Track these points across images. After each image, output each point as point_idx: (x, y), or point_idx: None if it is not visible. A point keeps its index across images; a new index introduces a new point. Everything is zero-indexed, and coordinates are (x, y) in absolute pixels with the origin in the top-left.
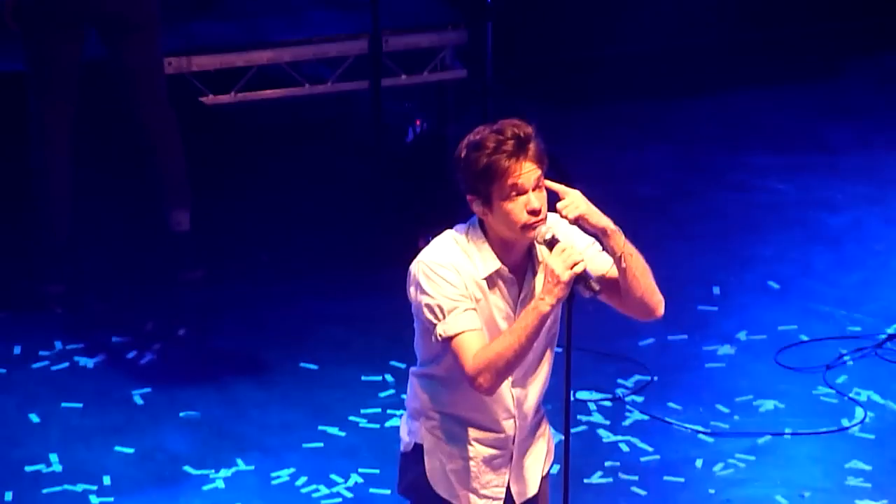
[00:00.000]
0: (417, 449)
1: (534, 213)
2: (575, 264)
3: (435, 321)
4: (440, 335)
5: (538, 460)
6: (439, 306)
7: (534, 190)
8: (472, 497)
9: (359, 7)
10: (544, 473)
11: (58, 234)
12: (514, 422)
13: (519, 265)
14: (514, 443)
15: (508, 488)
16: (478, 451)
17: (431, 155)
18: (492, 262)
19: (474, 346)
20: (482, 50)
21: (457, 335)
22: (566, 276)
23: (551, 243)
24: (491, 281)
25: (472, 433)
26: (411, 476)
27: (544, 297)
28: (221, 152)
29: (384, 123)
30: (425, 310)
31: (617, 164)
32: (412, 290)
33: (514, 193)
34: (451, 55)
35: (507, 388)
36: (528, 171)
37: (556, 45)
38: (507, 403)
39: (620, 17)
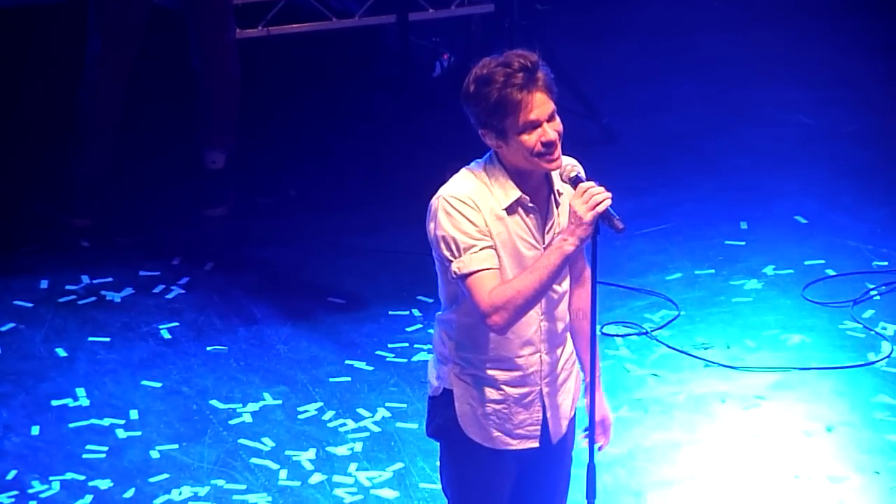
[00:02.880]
0: (447, 394)
1: (549, 144)
2: (598, 204)
3: (451, 257)
4: (455, 272)
5: (567, 394)
6: (456, 242)
7: (548, 122)
8: (507, 438)
9: None
10: (572, 411)
11: (96, 168)
12: (540, 356)
13: (539, 193)
14: (542, 379)
15: (545, 426)
16: (507, 392)
17: (458, 90)
18: (512, 192)
19: (490, 284)
20: None
21: (473, 273)
22: (589, 216)
23: (575, 181)
24: (512, 210)
25: (500, 375)
26: (440, 420)
27: (567, 237)
28: (248, 86)
29: (411, 57)
30: (442, 244)
31: (644, 99)
32: (431, 225)
33: (529, 128)
34: None
35: (536, 320)
36: (540, 104)
37: None
38: (532, 337)
39: None
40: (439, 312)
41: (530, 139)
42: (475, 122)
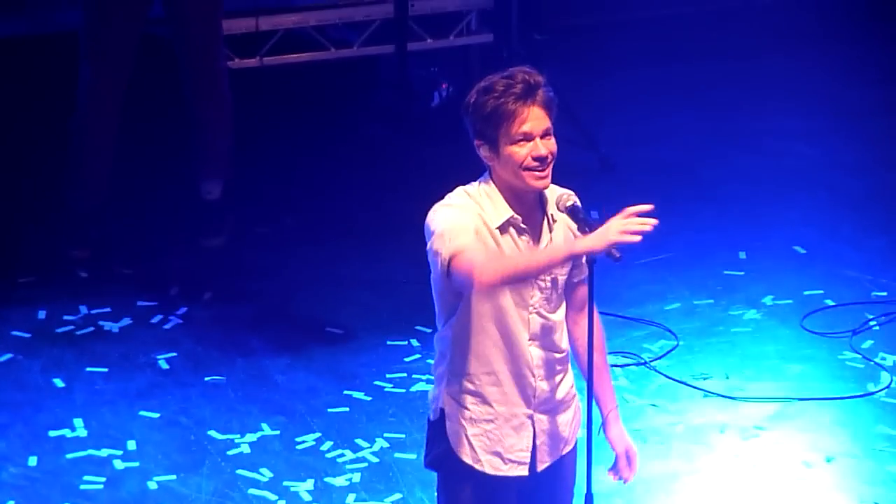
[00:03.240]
0: (442, 416)
1: (539, 159)
2: (631, 233)
3: (443, 248)
4: (445, 257)
5: (564, 426)
6: (449, 233)
7: (541, 138)
8: (497, 461)
9: None
10: (570, 444)
11: (92, 199)
12: (535, 381)
13: (532, 216)
14: (536, 405)
15: (533, 454)
16: (497, 411)
17: (457, 119)
18: (504, 211)
19: (481, 256)
20: (508, 14)
21: (464, 250)
22: (615, 237)
23: (573, 210)
24: (504, 229)
25: (491, 392)
26: (438, 450)
27: (585, 239)
28: (246, 117)
29: (410, 87)
30: (436, 242)
31: (642, 128)
32: (427, 236)
33: (520, 139)
34: (477, 19)
35: (525, 345)
36: (536, 118)
37: (582, 9)
38: (527, 359)
39: None
40: (436, 332)
41: (521, 152)
42: (471, 133)
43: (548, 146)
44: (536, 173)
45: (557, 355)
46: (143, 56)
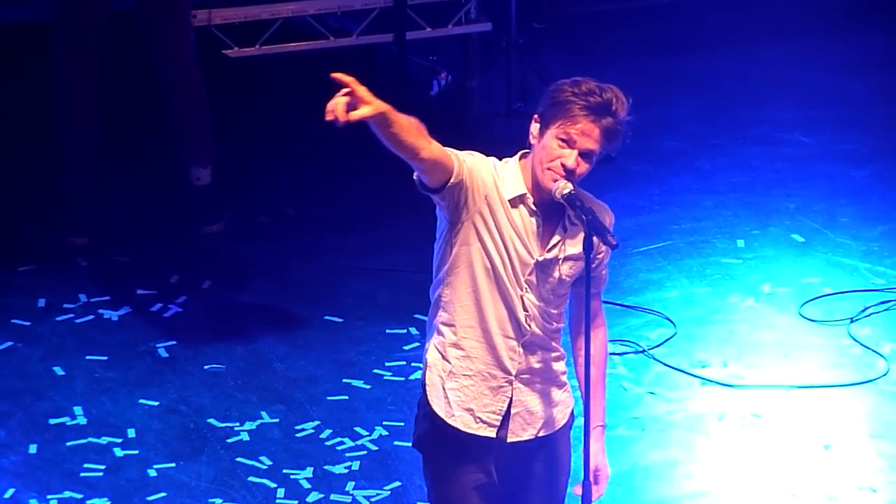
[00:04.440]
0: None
1: (566, 169)
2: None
3: None
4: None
5: (546, 407)
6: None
7: (581, 154)
8: (468, 418)
9: None
10: (552, 428)
11: (82, 185)
12: (520, 350)
13: (548, 209)
14: (518, 372)
15: (505, 420)
16: (477, 369)
17: (456, 108)
18: (519, 187)
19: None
20: (506, 3)
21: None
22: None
23: (570, 199)
24: (514, 204)
25: (473, 349)
26: (422, 426)
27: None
28: (245, 106)
29: (408, 76)
30: None
31: (642, 117)
32: None
33: (563, 139)
34: (476, 8)
35: (519, 312)
36: (589, 134)
37: None
38: (515, 325)
39: None
40: (431, 285)
41: (555, 151)
42: (538, 106)
43: (580, 163)
44: (554, 174)
45: (551, 341)
46: (132, 41)
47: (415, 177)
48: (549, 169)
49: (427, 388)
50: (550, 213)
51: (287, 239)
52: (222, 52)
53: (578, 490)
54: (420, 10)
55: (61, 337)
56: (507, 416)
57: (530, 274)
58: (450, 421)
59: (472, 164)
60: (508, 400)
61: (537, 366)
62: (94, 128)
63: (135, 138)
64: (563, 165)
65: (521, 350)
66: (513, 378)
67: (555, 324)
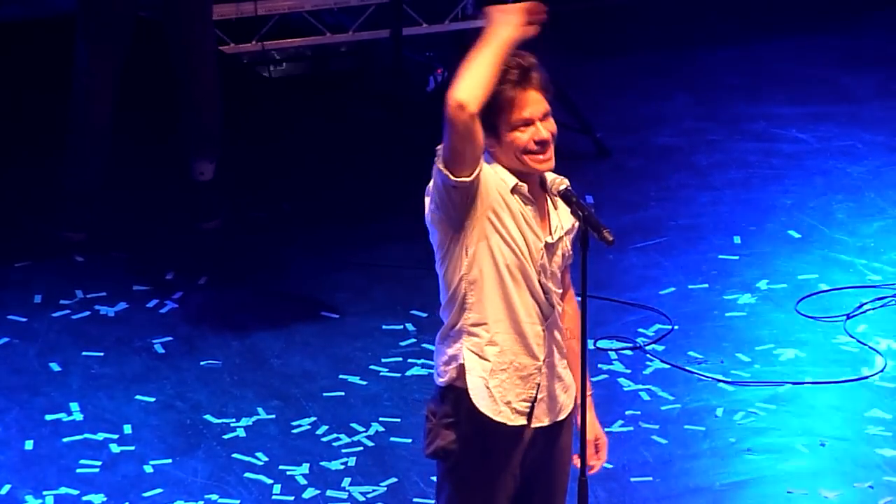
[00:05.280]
0: (460, 375)
1: (542, 143)
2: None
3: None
4: (439, 159)
5: (560, 389)
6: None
7: (541, 121)
8: (507, 411)
9: None
10: (564, 412)
11: (89, 183)
12: (544, 332)
13: (535, 197)
14: (544, 356)
15: (532, 408)
16: (510, 360)
17: None
18: (511, 178)
19: None
20: None
21: None
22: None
23: (565, 194)
24: (513, 192)
25: (506, 342)
26: (456, 434)
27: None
28: (242, 101)
29: (405, 72)
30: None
31: (638, 113)
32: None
33: (521, 125)
34: (473, 4)
35: (540, 295)
36: (534, 101)
37: None
38: (538, 309)
39: None
40: (441, 303)
41: (522, 137)
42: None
43: (548, 128)
44: (539, 156)
45: (559, 320)
46: (136, 40)
47: (445, 172)
48: (528, 154)
49: (470, 392)
50: (537, 198)
51: (283, 235)
52: (219, 47)
53: (577, 460)
54: (416, 5)
55: (57, 333)
56: (533, 402)
57: (542, 257)
58: (497, 417)
59: None
60: (537, 386)
61: (556, 347)
62: (109, 128)
63: (132, 134)
64: (537, 142)
65: (545, 335)
66: (541, 364)
67: (559, 303)
